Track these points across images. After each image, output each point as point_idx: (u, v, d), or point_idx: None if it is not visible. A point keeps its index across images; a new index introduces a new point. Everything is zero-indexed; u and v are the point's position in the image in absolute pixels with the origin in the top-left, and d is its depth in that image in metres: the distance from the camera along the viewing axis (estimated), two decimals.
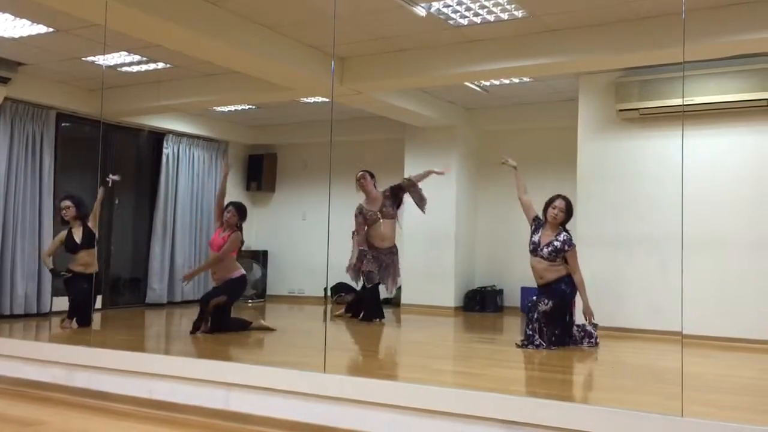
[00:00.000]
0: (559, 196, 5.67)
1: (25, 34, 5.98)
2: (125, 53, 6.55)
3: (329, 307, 8.77)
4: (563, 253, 5.54)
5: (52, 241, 6.87)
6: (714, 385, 4.31)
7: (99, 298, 7.55)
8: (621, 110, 6.72)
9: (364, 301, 7.30)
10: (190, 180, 9.19)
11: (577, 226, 6.47)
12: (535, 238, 5.64)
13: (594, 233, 6.77)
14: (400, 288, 8.16)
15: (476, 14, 5.46)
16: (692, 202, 5.86)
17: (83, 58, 6.68)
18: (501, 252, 8.65)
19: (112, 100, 7.74)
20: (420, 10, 5.32)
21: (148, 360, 4.42)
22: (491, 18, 5.52)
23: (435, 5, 5.29)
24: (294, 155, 10.23)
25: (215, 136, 9.55)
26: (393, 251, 7.32)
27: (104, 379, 4.39)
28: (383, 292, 7.39)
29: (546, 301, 5.48)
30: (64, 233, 6.55)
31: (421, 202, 7.30)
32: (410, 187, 7.28)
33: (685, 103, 6.33)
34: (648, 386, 4.23)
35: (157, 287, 8.66)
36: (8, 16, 5.57)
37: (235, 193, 9.02)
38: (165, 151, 8.90)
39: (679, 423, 2.93)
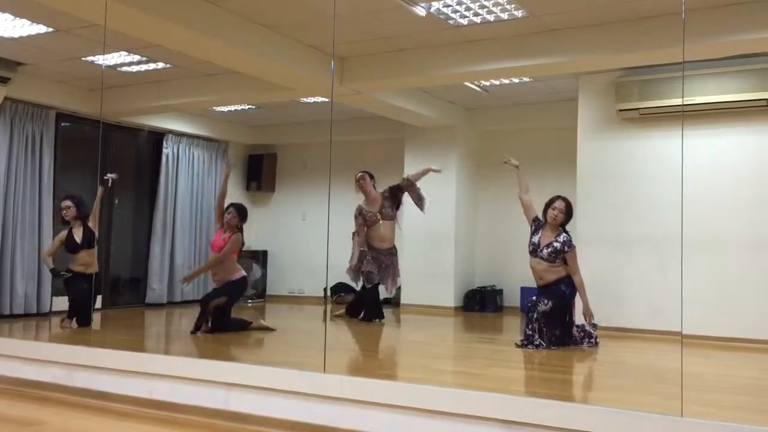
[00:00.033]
0: (558, 197, 5.66)
1: (24, 34, 5.98)
2: (125, 53, 6.55)
3: (329, 307, 8.77)
4: (563, 254, 5.53)
5: (52, 241, 6.87)
6: (714, 385, 4.31)
7: (99, 298, 7.55)
8: (621, 110, 6.72)
9: (364, 301, 7.30)
10: (189, 180, 9.19)
11: (576, 226, 6.47)
12: (535, 239, 5.64)
13: (594, 233, 6.77)
14: (399, 288, 8.15)
15: (476, 14, 5.46)
16: (692, 202, 5.86)
17: (83, 58, 6.68)
18: (501, 252, 8.65)
19: (112, 100, 7.74)
20: (420, 10, 5.32)
21: (148, 360, 4.42)
22: (491, 18, 5.52)
23: (435, 5, 5.29)
24: (294, 155, 10.23)
25: (215, 136, 9.55)
26: (392, 252, 7.32)
27: (104, 379, 4.39)
28: (383, 293, 7.39)
29: (546, 301, 5.48)
30: (64, 233, 6.55)
31: (420, 201, 7.29)
32: (408, 186, 7.28)
33: (684, 103, 6.33)
34: (648, 386, 4.23)
35: (156, 287, 8.66)
36: (8, 16, 5.57)
37: (234, 193, 9.01)
38: (165, 151, 8.90)
39: (678, 423, 2.93)
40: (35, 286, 7.40)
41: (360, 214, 7.21)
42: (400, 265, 7.44)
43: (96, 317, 7.22)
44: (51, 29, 5.83)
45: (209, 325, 6.05)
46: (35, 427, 3.78)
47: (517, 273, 7.64)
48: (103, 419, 3.99)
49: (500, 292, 8.54)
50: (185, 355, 5.05)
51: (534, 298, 5.60)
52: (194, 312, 6.27)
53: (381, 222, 7.17)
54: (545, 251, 5.54)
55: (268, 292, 9.80)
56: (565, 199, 5.67)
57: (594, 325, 5.60)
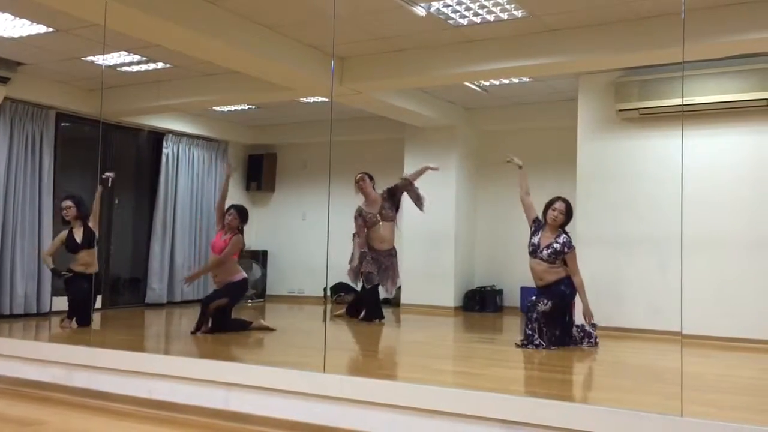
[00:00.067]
0: (559, 198, 5.66)
1: (24, 34, 5.98)
2: (125, 53, 6.55)
3: (329, 307, 8.77)
4: (563, 255, 5.53)
5: (52, 241, 6.87)
6: (714, 385, 4.31)
7: (99, 298, 7.55)
8: (621, 110, 6.72)
9: (364, 301, 7.30)
10: (189, 180, 9.19)
11: (576, 226, 6.47)
12: (535, 239, 5.64)
13: (594, 233, 6.77)
14: (399, 288, 8.16)
15: (476, 14, 5.46)
16: (692, 202, 5.86)
17: (83, 58, 6.68)
18: (501, 252, 8.65)
19: (112, 100, 7.74)
20: (420, 10, 5.32)
21: (147, 360, 4.42)
22: (491, 18, 5.52)
23: (435, 5, 5.29)
24: (294, 155, 10.23)
25: (215, 136, 9.55)
26: (392, 253, 7.31)
27: (104, 379, 4.39)
28: (383, 293, 7.39)
29: (545, 301, 5.48)
30: (64, 233, 6.55)
31: (418, 200, 7.29)
32: (406, 186, 7.27)
33: (684, 103, 6.33)
34: (648, 386, 4.23)
35: (156, 287, 8.66)
36: (8, 16, 5.57)
37: (234, 193, 9.00)
38: (165, 150, 8.90)
39: (678, 423, 2.93)
40: (35, 286, 7.40)
41: (360, 215, 7.21)
42: (399, 265, 7.44)
43: (96, 317, 7.23)
44: (51, 29, 5.83)
45: (209, 325, 6.06)
46: (35, 427, 3.78)
47: (517, 273, 7.63)
48: (103, 419, 4.00)
49: (500, 292, 8.54)
50: (185, 355, 5.05)
51: (533, 298, 5.60)
52: (194, 312, 6.27)
53: (381, 223, 7.17)
54: (545, 252, 5.54)
55: (268, 292, 9.80)
56: (565, 200, 5.66)
57: (593, 325, 5.60)
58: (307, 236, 9.69)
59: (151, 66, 6.95)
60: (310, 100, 8.09)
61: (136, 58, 6.69)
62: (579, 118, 7.08)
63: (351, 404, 3.56)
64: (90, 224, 6.55)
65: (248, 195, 10.12)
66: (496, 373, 4.60)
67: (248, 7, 5.38)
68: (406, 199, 7.36)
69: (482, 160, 8.93)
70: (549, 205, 5.64)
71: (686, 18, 4.75)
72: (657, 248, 6.43)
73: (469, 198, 8.84)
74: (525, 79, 7.09)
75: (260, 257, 9.82)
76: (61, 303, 6.69)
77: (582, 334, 5.59)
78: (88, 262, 6.49)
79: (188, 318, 7.46)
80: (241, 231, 6.39)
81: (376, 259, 7.18)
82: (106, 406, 4.24)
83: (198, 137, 9.31)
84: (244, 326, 6.31)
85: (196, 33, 5.26)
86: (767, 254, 6.15)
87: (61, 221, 6.65)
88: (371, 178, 7.33)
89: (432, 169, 7.30)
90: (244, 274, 6.42)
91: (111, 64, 6.86)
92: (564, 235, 5.59)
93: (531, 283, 5.84)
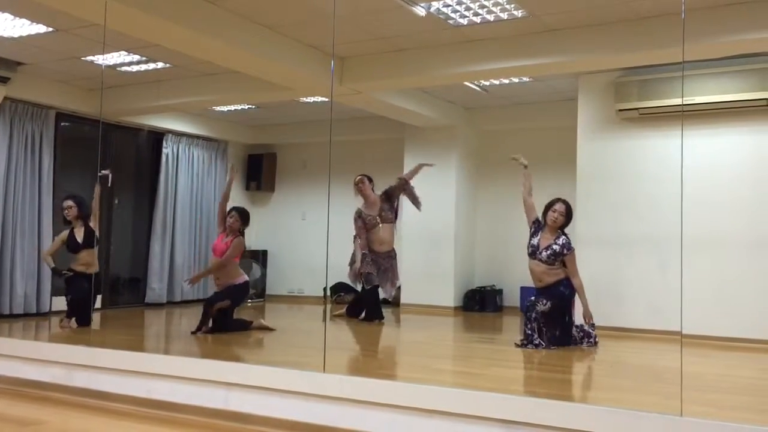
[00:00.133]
0: (559, 200, 5.65)
1: (24, 34, 5.98)
2: (125, 53, 6.55)
3: (329, 306, 8.77)
4: (562, 257, 5.53)
5: (53, 241, 6.87)
6: (714, 384, 4.32)
7: (99, 298, 7.55)
8: (620, 110, 6.72)
9: (364, 302, 7.30)
10: (189, 180, 9.19)
11: (576, 227, 6.47)
12: (534, 241, 5.64)
13: (594, 233, 6.77)
14: (399, 288, 8.16)
15: (476, 14, 5.46)
16: (692, 202, 5.86)
17: (83, 58, 6.67)
18: (500, 252, 8.65)
19: (112, 100, 7.74)
20: (420, 10, 5.32)
21: (147, 360, 4.42)
22: (491, 18, 5.52)
23: (435, 5, 5.29)
24: (293, 155, 10.23)
25: (215, 136, 9.55)
26: (391, 255, 7.31)
27: (104, 378, 4.39)
28: (382, 294, 7.39)
29: (544, 301, 5.48)
30: (65, 233, 6.56)
31: (415, 201, 7.32)
32: (402, 186, 7.27)
33: (684, 103, 6.33)
34: (647, 386, 4.23)
35: (156, 287, 8.66)
36: (8, 16, 5.57)
37: (234, 192, 8.94)
38: (164, 150, 8.90)
39: (678, 422, 2.93)
40: (35, 286, 7.40)
41: (359, 217, 7.21)
42: (399, 265, 7.44)
43: (96, 317, 7.22)
44: (51, 29, 5.83)
45: (209, 326, 6.06)
46: (35, 426, 3.78)
47: (517, 273, 7.62)
48: (103, 419, 4.00)
49: (500, 291, 8.54)
50: (185, 354, 5.05)
51: (533, 298, 5.60)
52: (194, 312, 6.28)
53: (380, 225, 7.17)
54: (544, 254, 5.54)
55: (267, 292, 9.80)
56: (565, 202, 5.66)
57: (592, 325, 5.60)
58: (307, 236, 9.69)
59: (151, 66, 6.95)
60: (310, 100, 8.09)
61: (136, 57, 6.69)
62: (579, 118, 7.08)
63: (351, 404, 3.56)
64: (91, 224, 6.55)
65: (248, 195, 10.13)
66: (496, 373, 4.60)
67: (248, 7, 5.38)
68: (405, 199, 7.37)
69: (482, 160, 8.93)
70: (549, 207, 5.63)
71: (686, 18, 4.75)
72: (657, 248, 6.43)
73: (469, 198, 8.84)
74: (525, 79, 7.09)
75: (260, 257, 9.82)
76: (61, 303, 6.68)
77: (581, 334, 5.59)
78: (88, 261, 6.49)
79: (188, 318, 7.46)
80: (242, 233, 6.39)
81: (376, 261, 7.18)
82: (106, 405, 4.24)
83: (198, 137, 9.31)
84: (244, 326, 6.32)
85: (196, 33, 5.26)
86: (767, 254, 6.15)
87: (62, 221, 6.65)
88: (370, 180, 7.33)
89: (427, 166, 7.30)
90: (246, 277, 6.42)
91: (111, 63, 6.86)
92: (563, 237, 5.59)
93: (531, 283, 5.84)
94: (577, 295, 5.55)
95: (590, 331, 5.58)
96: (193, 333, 6.02)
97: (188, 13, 5.13)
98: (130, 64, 6.90)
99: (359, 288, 7.40)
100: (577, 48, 5.73)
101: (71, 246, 6.50)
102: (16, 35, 6.01)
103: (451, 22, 5.62)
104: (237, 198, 8.72)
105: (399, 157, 8.80)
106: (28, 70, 7.11)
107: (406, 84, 7.04)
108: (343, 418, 3.56)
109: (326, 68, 6.37)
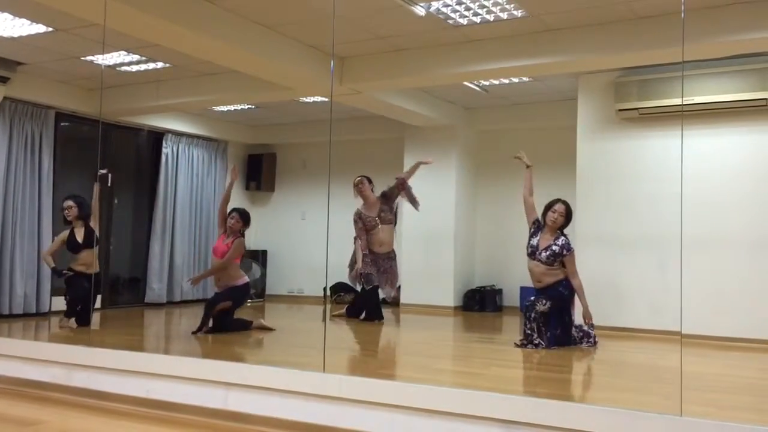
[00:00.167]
0: (559, 200, 5.65)
1: (24, 34, 5.98)
2: (124, 53, 6.55)
3: (329, 306, 8.77)
4: (561, 258, 5.53)
5: (53, 241, 6.87)
6: (713, 384, 4.31)
7: (98, 298, 7.55)
8: (620, 110, 6.72)
9: (364, 302, 7.30)
10: (189, 179, 9.19)
11: (576, 226, 6.46)
12: (534, 241, 5.63)
13: (593, 233, 6.77)
14: (399, 287, 8.16)
15: (476, 14, 5.46)
16: (692, 202, 5.86)
17: (82, 58, 6.67)
18: (500, 252, 8.65)
19: (111, 100, 7.74)
20: (419, 10, 5.32)
21: (147, 359, 4.42)
22: (491, 18, 5.52)
23: (434, 5, 5.29)
24: (293, 155, 10.23)
25: (214, 136, 9.55)
26: (391, 256, 7.32)
27: (103, 378, 4.39)
28: (381, 295, 7.39)
29: (544, 301, 5.48)
30: (66, 233, 6.56)
31: (413, 201, 7.32)
32: (399, 186, 7.26)
33: (684, 103, 6.33)
34: (647, 386, 4.23)
35: (156, 287, 8.66)
36: (7, 16, 5.57)
37: (234, 192, 8.98)
38: (164, 150, 8.90)
39: (678, 422, 2.93)
40: (35, 286, 7.40)
41: (359, 218, 7.21)
42: (399, 265, 7.44)
43: (95, 317, 7.21)
44: (50, 29, 5.83)
45: (209, 326, 6.06)
46: (35, 426, 3.78)
47: (517, 273, 7.63)
48: (103, 419, 3.99)
49: (500, 291, 8.54)
50: (184, 354, 5.05)
51: (532, 298, 5.59)
52: (194, 312, 6.28)
53: (380, 226, 7.17)
54: (543, 254, 5.54)
55: (267, 292, 9.80)
56: (565, 203, 5.66)
57: (591, 326, 5.60)
58: (307, 236, 9.69)
59: (151, 65, 6.94)
60: (310, 99, 8.09)
61: (136, 57, 6.69)
62: (579, 118, 7.08)
63: (351, 404, 3.56)
64: (91, 224, 6.55)
65: (248, 194, 10.12)
66: (496, 373, 4.60)
67: (248, 6, 5.38)
68: (403, 200, 7.37)
69: (482, 160, 8.93)
70: (549, 207, 5.63)
71: (686, 18, 4.76)
72: (657, 248, 6.43)
73: (468, 198, 8.84)
74: (525, 78, 7.09)
75: (260, 257, 9.81)
76: (61, 303, 6.69)
77: (581, 334, 5.59)
78: (89, 262, 6.50)
79: (188, 318, 7.46)
80: (243, 234, 6.39)
81: (375, 262, 7.18)
82: (106, 405, 4.24)
83: (197, 137, 9.31)
84: (245, 326, 6.32)
85: (196, 32, 5.25)
86: (767, 254, 6.15)
87: (62, 221, 6.65)
88: (370, 181, 7.33)
89: (425, 163, 7.29)
90: (247, 278, 6.42)
91: (110, 63, 6.86)
92: (563, 238, 5.59)
93: (531, 283, 5.84)
94: (576, 296, 5.54)
95: (590, 331, 5.58)
96: (193, 333, 6.02)
97: (188, 13, 5.13)
98: (129, 64, 6.90)
99: (359, 289, 7.40)
100: (577, 48, 5.73)
101: (71, 246, 6.50)
102: (15, 35, 6.01)
103: (450, 22, 5.62)
104: (237, 198, 8.71)
105: (399, 157, 8.80)
106: (28, 70, 7.11)
107: (406, 84, 7.03)
108: (343, 418, 3.56)
109: (326, 68, 6.37)
